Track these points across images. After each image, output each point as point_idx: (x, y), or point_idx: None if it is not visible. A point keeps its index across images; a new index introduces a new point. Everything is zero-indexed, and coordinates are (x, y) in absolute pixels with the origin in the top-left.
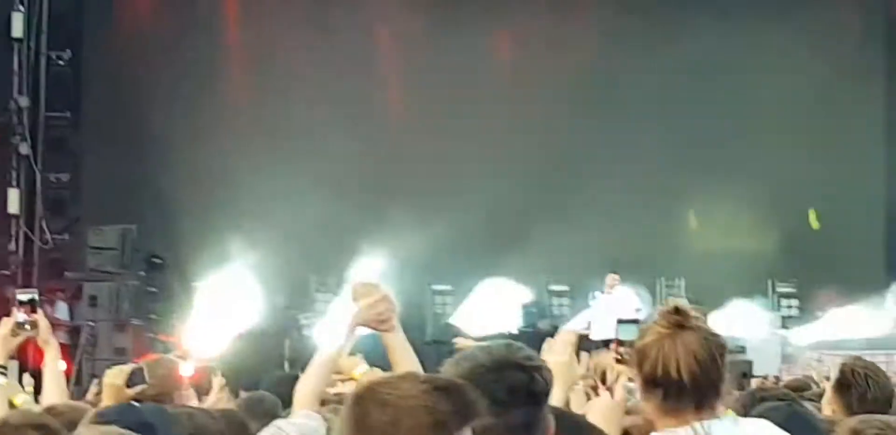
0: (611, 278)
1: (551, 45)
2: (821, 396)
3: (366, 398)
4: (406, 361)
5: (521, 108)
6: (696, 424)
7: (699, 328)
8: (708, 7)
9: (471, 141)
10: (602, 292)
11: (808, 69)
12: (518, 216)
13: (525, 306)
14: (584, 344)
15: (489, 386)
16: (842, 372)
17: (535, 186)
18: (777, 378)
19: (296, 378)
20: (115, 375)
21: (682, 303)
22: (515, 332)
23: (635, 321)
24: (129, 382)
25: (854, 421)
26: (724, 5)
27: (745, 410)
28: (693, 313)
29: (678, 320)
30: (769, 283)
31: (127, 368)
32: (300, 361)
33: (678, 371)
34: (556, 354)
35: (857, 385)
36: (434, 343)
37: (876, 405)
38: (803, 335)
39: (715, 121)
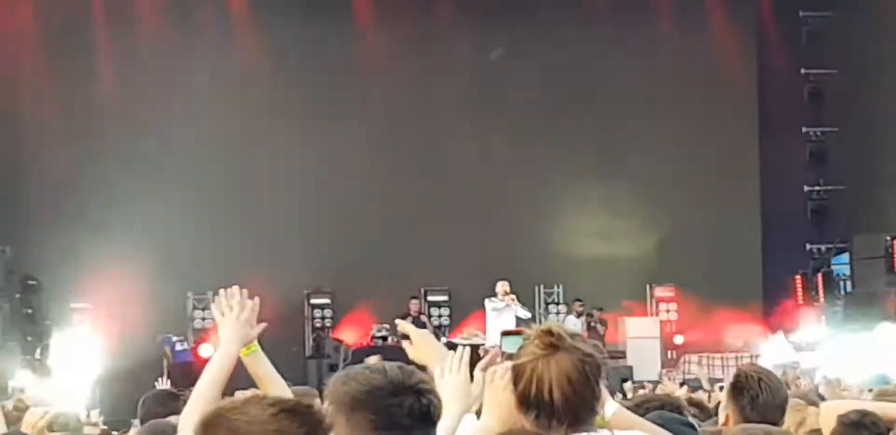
0: (501, 286)
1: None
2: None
3: (214, 425)
4: (270, 376)
5: (398, 113)
6: None
7: (574, 349)
8: (576, 12)
9: (341, 153)
10: (495, 299)
11: (684, 77)
12: (394, 228)
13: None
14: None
15: (391, 410)
16: (736, 376)
17: (409, 196)
18: (655, 384)
19: (169, 394)
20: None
21: (556, 325)
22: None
23: (519, 333)
24: None
25: (737, 429)
26: (593, 9)
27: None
28: (568, 335)
29: (552, 342)
30: (648, 287)
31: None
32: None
33: (550, 392)
34: (452, 373)
35: (751, 389)
36: (315, 357)
37: (768, 410)
38: (684, 338)
39: (593, 127)
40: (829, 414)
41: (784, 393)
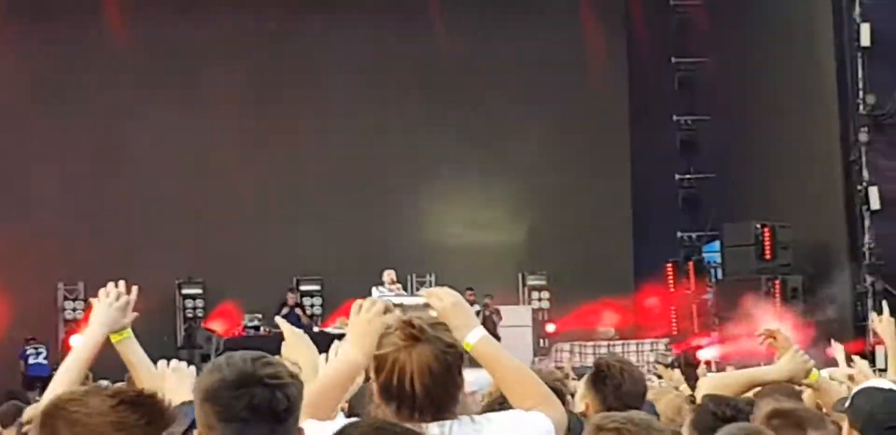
0: (388, 275)
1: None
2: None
3: (54, 416)
4: (142, 363)
5: (274, 101)
6: (434, 426)
7: (437, 339)
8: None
9: (215, 142)
10: (382, 288)
11: (556, 66)
12: (268, 218)
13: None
14: None
15: (232, 402)
16: (597, 365)
17: (283, 186)
18: None
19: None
20: None
21: (418, 316)
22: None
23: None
24: None
25: (597, 417)
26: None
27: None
28: (429, 326)
29: (413, 333)
30: (520, 276)
31: None
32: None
33: (411, 383)
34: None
35: (613, 377)
36: (186, 347)
37: (630, 398)
38: (556, 327)
39: (468, 116)
40: (703, 391)
41: (644, 381)
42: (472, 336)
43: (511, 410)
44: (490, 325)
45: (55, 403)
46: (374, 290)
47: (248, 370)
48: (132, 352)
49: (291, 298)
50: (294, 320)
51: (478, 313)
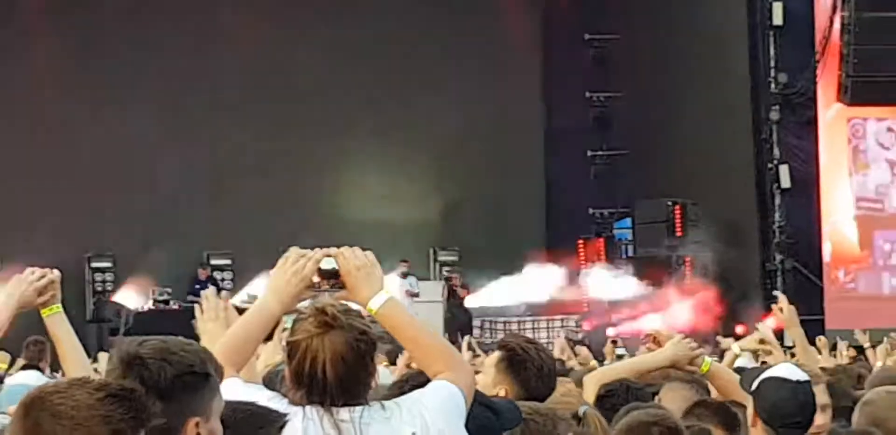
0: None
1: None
2: None
3: (37, 408)
4: (69, 339)
5: (188, 78)
6: (345, 412)
7: (350, 327)
8: None
9: (127, 117)
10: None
11: (470, 42)
12: (178, 192)
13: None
14: None
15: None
16: (511, 349)
17: (194, 160)
18: None
19: None
20: None
21: (331, 303)
22: None
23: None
24: None
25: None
26: None
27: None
28: (342, 313)
29: (326, 321)
30: (432, 251)
31: None
32: None
33: (324, 370)
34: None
35: (532, 360)
36: (95, 321)
37: (551, 380)
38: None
39: (382, 91)
40: (590, 386)
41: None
42: (375, 301)
43: (418, 391)
44: (455, 300)
45: (38, 395)
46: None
47: (134, 350)
48: (59, 327)
49: (203, 273)
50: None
51: (446, 288)
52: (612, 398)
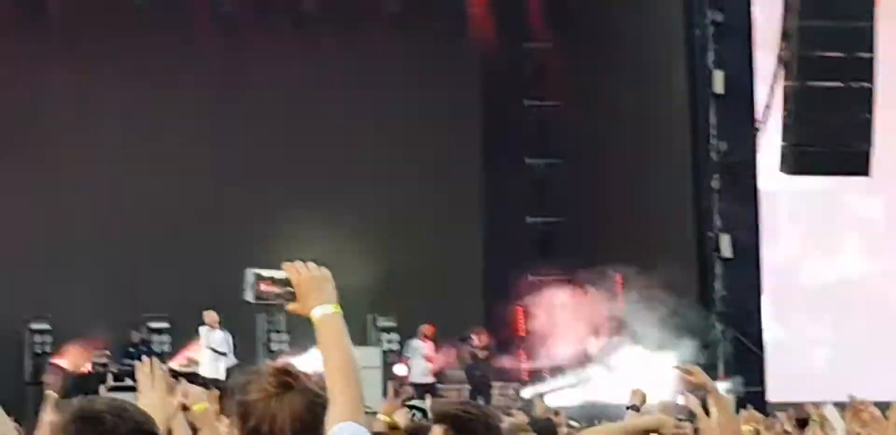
0: (208, 315)
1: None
2: None
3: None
4: None
5: (129, 130)
6: None
7: (306, 389)
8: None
9: (66, 175)
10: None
11: (411, 109)
12: (117, 255)
13: (132, 345)
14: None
15: None
16: (452, 416)
17: (132, 222)
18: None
19: None
20: None
21: (290, 364)
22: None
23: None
24: None
25: None
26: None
27: None
28: (300, 374)
29: (286, 381)
30: (370, 318)
31: None
32: None
33: (281, 431)
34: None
35: (477, 416)
36: (33, 384)
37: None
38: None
39: (319, 155)
40: None
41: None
42: (319, 310)
43: None
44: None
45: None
46: (201, 329)
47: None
48: None
49: (136, 335)
50: (138, 359)
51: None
52: None
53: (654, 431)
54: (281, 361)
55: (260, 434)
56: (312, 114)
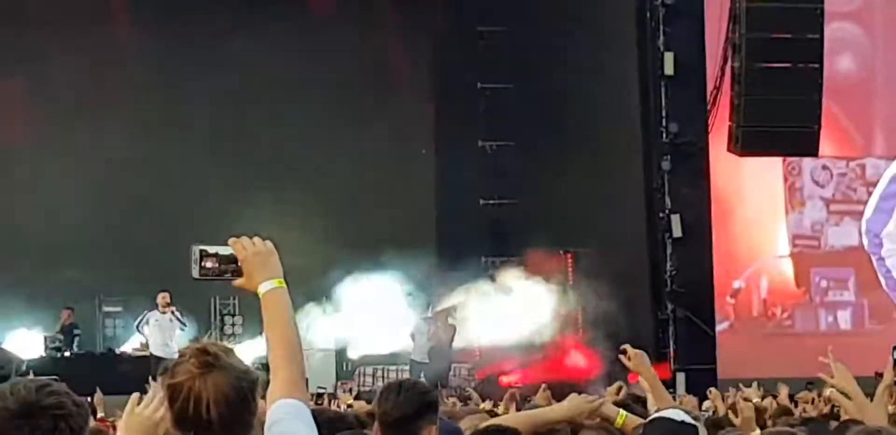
0: (161, 298)
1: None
2: None
3: None
4: None
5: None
6: None
7: (231, 367)
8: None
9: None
10: (156, 311)
11: (364, 89)
12: (61, 240)
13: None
14: None
15: (11, 433)
16: None
17: (74, 204)
18: (329, 396)
19: None
20: None
21: (212, 343)
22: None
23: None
24: None
25: None
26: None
27: None
28: (224, 353)
29: (208, 361)
30: (324, 299)
31: None
32: None
33: (208, 411)
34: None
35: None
36: None
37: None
38: (358, 349)
39: (270, 137)
40: None
41: None
42: (265, 286)
43: (284, 420)
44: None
45: None
46: (149, 313)
47: (31, 399)
48: None
49: (66, 314)
50: (69, 341)
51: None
52: None
53: (565, 422)
54: (204, 341)
55: (188, 415)
56: (262, 94)
